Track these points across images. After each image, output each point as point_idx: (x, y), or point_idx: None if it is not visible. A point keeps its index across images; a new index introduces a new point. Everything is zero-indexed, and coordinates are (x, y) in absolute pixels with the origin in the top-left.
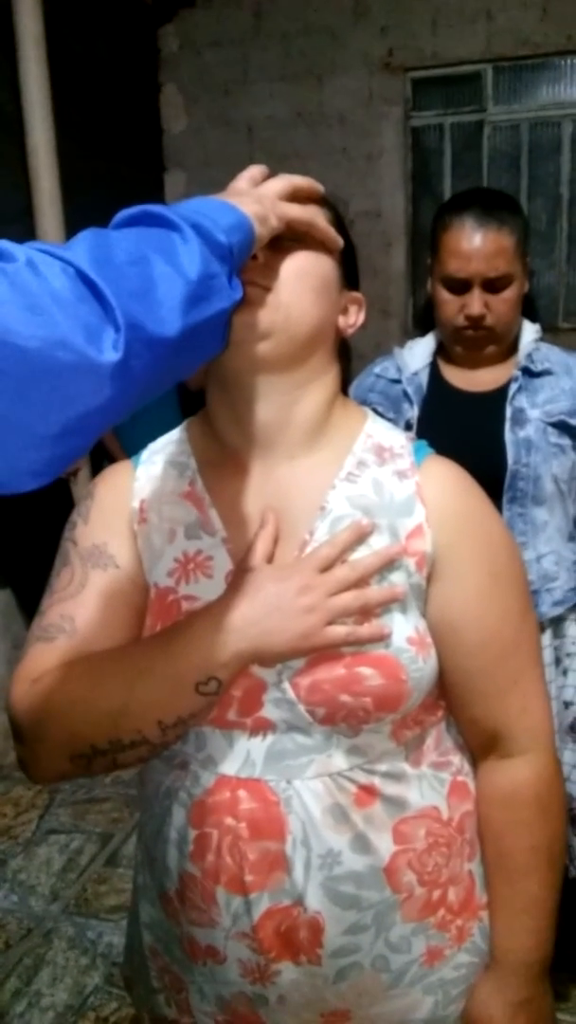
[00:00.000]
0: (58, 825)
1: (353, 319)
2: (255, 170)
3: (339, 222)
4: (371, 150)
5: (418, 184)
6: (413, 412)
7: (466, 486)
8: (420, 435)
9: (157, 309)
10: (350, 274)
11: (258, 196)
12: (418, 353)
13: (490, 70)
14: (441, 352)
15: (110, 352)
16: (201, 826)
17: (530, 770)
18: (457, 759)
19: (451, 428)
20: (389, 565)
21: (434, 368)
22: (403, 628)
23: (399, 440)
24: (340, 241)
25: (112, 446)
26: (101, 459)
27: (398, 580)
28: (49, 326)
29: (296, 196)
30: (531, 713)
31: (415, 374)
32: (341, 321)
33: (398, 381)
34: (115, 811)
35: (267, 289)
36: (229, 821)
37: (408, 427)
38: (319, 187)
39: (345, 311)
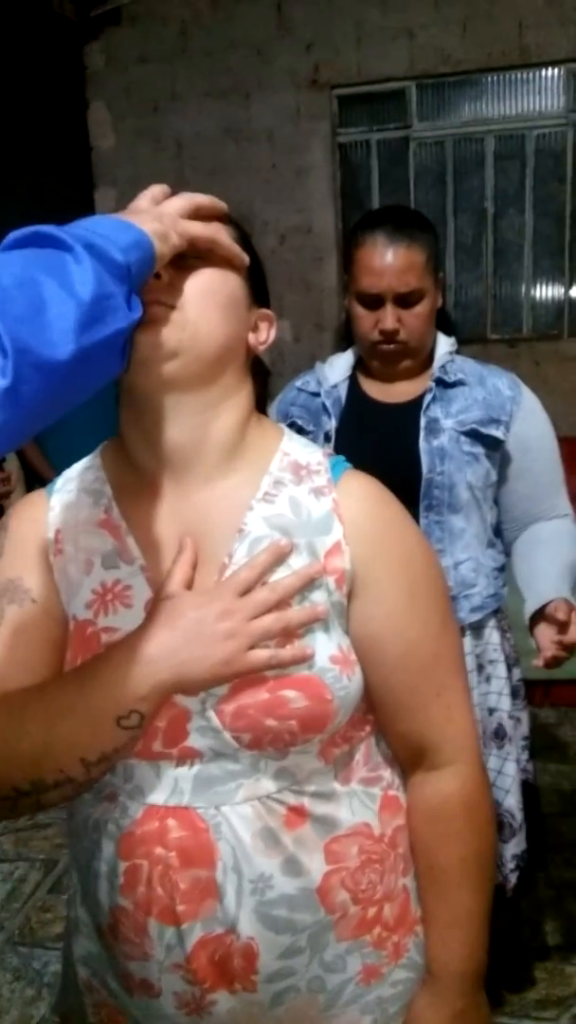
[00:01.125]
0: (1, 854)
1: (264, 336)
2: (156, 189)
3: (244, 239)
4: (300, 166)
5: (347, 199)
6: (331, 424)
7: (383, 500)
8: (338, 446)
9: (47, 332)
10: (259, 291)
11: (158, 214)
12: (338, 367)
13: (414, 87)
14: (360, 365)
15: None
16: (131, 858)
17: (457, 781)
18: (388, 773)
19: (368, 439)
20: (309, 585)
21: (353, 381)
22: (326, 647)
23: (316, 457)
24: (245, 258)
25: (36, 460)
26: (33, 480)
27: (319, 599)
28: None
29: (198, 214)
30: (456, 724)
31: (334, 387)
32: (252, 339)
33: (318, 394)
34: (59, 837)
35: (172, 307)
36: (159, 851)
37: (327, 439)
38: (222, 205)
39: (255, 328)
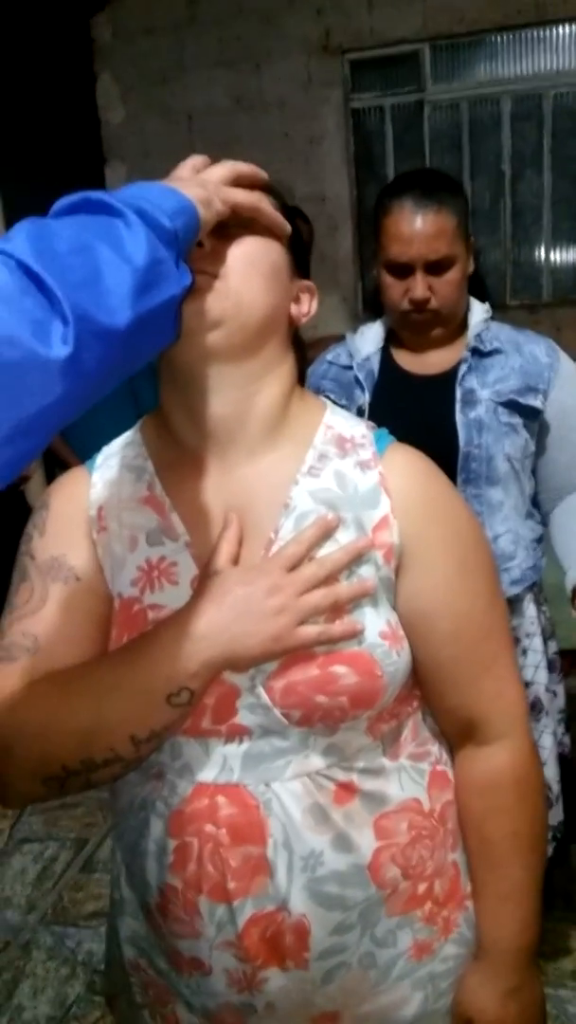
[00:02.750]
0: (30, 834)
1: (306, 307)
2: (197, 159)
3: (285, 209)
4: (312, 134)
5: (361, 167)
6: (364, 398)
7: (430, 473)
8: (372, 420)
9: (106, 298)
10: (300, 262)
11: (201, 181)
12: (369, 338)
13: (427, 49)
14: (392, 336)
15: (59, 347)
16: (180, 836)
17: (507, 755)
18: (435, 749)
19: (402, 412)
20: (357, 559)
21: (385, 352)
22: (375, 622)
23: (360, 430)
24: (287, 226)
25: (62, 450)
26: (53, 465)
27: (367, 574)
28: None
29: (239, 182)
30: (505, 698)
31: (366, 359)
32: (294, 310)
33: (350, 367)
34: (88, 816)
35: (215, 276)
36: (209, 828)
37: (360, 413)
38: (263, 174)
39: (297, 299)
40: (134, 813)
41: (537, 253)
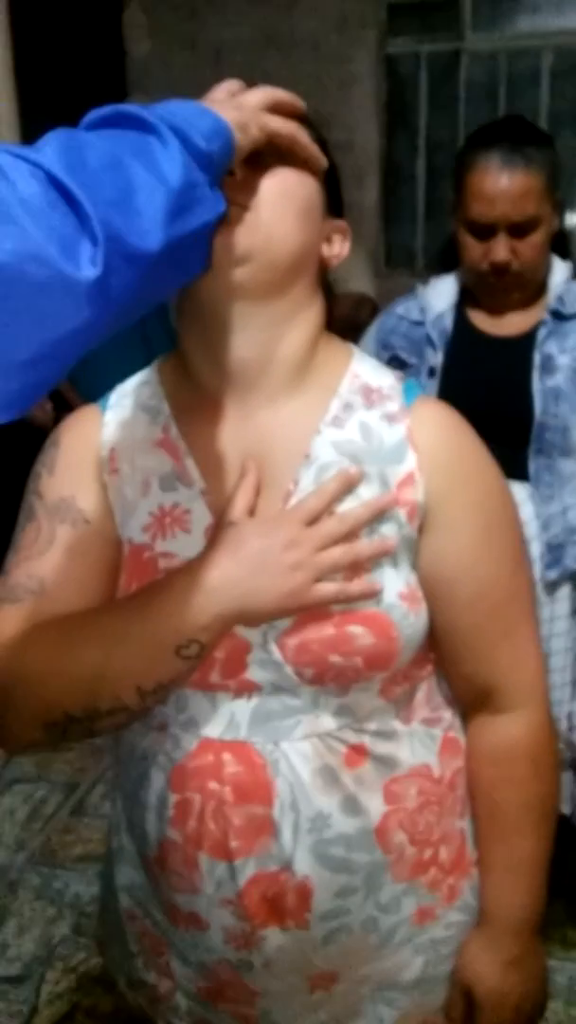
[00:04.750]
0: (22, 775)
1: (338, 249)
2: (233, 83)
3: (323, 143)
4: (344, 78)
5: (392, 115)
6: (437, 358)
7: (460, 430)
8: (444, 383)
9: (137, 220)
10: (334, 201)
11: (238, 104)
12: (444, 293)
13: None
14: (466, 293)
15: (87, 268)
16: (182, 791)
17: (523, 726)
18: (448, 714)
19: (476, 375)
20: (379, 516)
21: (459, 310)
22: (394, 583)
23: (388, 380)
24: (325, 160)
25: (68, 394)
26: (61, 408)
27: (388, 532)
28: (18, 237)
29: (277, 110)
30: (524, 667)
31: (439, 316)
32: (325, 250)
33: (421, 324)
34: (80, 760)
35: (245, 208)
36: (213, 785)
37: (432, 374)
38: (301, 104)
39: (329, 240)
40: (135, 763)
41: (570, 215)
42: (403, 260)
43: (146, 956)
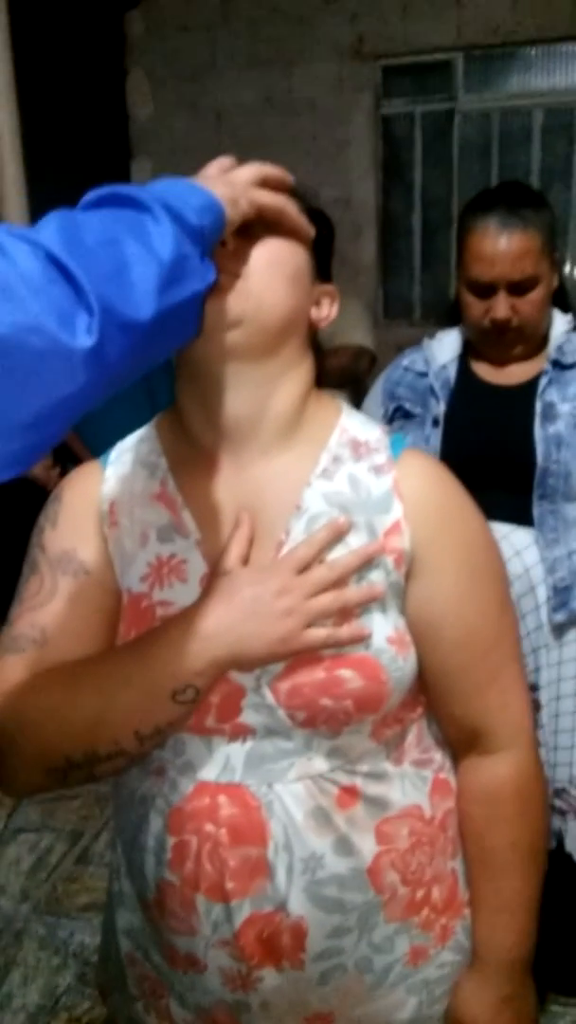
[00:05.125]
0: (27, 824)
1: (326, 312)
2: (224, 160)
3: (311, 213)
4: (341, 138)
5: (388, 173)
6: (440, 408)
7: (444, 481)
8: (448, 432)
9: (131, 292)
10: (322, 266)
11: (228, 180)
12: (447, 346)
13: (461, 58)
14: (470, 345)
15: (84, 337)
16: (179, 833)
17: (511, 766)
18: (439, 756)
19: (479, 424)
20: (367, 564)
21: (463, 361)
22: (383, 628)
23: (375, 434)
24: (312, 230)
25: (75, 445)
26: (66, 460)
27: (377, 579)
28: (20, 311)
29: (266, 184)
30: (511, 709)
31: (443, 367)
32: (314, 313)
33: (425, 375)
34: (85, 808)
35: (237, 276)
36: (209, 828)
37: (436, 423)
38: (289, 177)
39: (318, 303)
40: (134, 808)
41: (563, 269)
42: (401, 311)
43: (146, 1000)
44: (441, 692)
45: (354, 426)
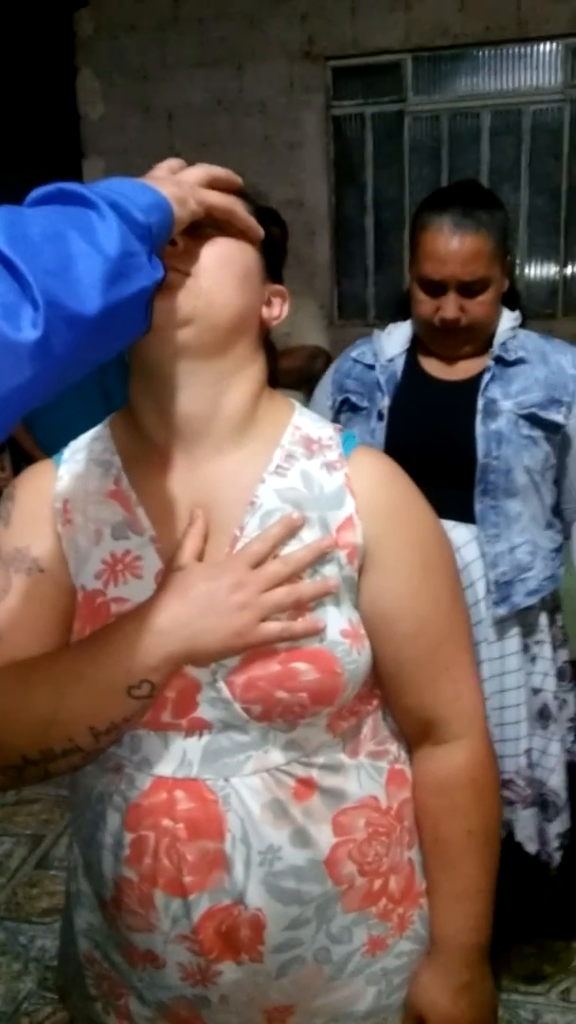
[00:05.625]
0: None
1: (277, 311)
2: (173, 161)
3: (259, 214)
4: (293, 139)
5: (340, 173)
6: (385, 401)
7: (395, 476)
8: (391, 425)
9: (76, 286)
10: (272, 266)
11: (177, 181)
12: (396, 339)
13: (410, 60)
14: (419, 340)
15: (28, 330)
16: (137, 829)
17: (464, 755)
18: (394, 747)
19: (422, 418)
20: (321, 558)
21: (411, 356)
22: (337, 621)
23: (327, 432)
24: (261, 231)
25: (25, 443)
26: (19, 460)
27: (330, 573)
28: None
29: (215, 185)
30: (463, 699)
31: (390, 361)
32: (265, 312)
33: (373, 367)
34: (45, 813)
35: (187, 275)
36: (166, 823)
37: (380, 416)
38: (238, 179)
39: (269, 303)
40: (91, 806)
41: (514, 271)
42: (355, 311)
43: (105, 1000)
44: (395, 684)
45: (307, 424)
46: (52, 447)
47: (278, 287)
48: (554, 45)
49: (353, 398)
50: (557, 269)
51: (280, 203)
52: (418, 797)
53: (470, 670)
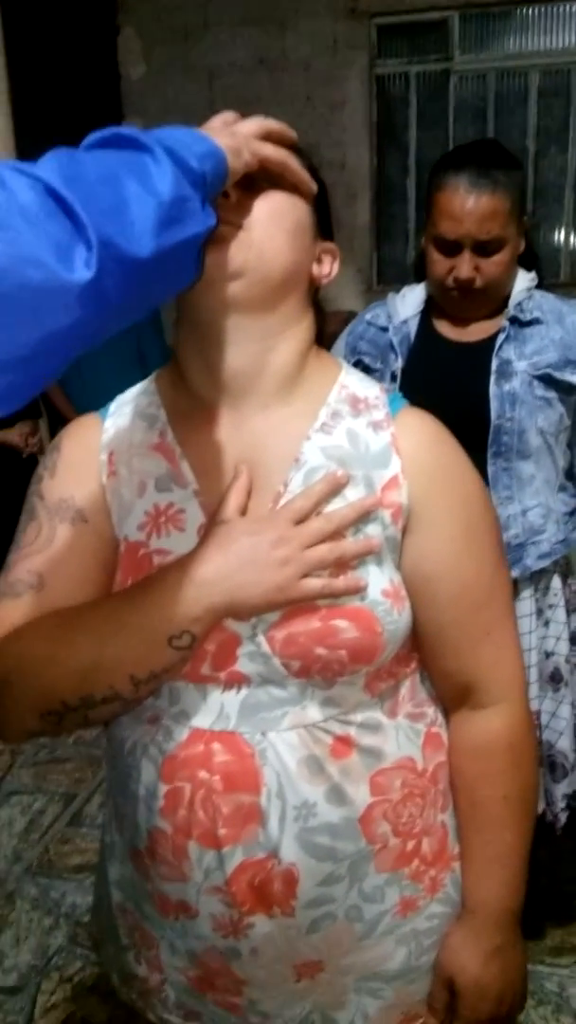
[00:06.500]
0: (20, 786)
1: (327, 269)
2: (228, 114)
3: (313, 170)
4: (335, 98)
5: (383, 135)
6: (398, 363)
7: (441, 438)
8: (404, 387)
9: (130, 228)
10: (324, 223)
11: (232, 132)
12: (410, 301)
13: (457, 18)
14: (433, 301)
15: (81, 270)
16: (172, 781)
17: (502, 720)
18: (431, 710)
19: (435, 380)
20: (364, 517)
21: (424, 317)
22: (378, 580)
23: (374, 391)
24: (314, 185)
25: (62, 406)
26: (59, 425)
27: (373, 532)
28: (17, 242)
29: (269, 138)
30: (503, 664)
31: (403, 323)
32: (315, 270)
33: (386, 330)
34: (78, 771)
35: (239, 227)
36: (202, 775)
37: (393, 378)
38: (292, 133)
39: (319, 260)
40: (123, 757)
41: (557, 233)
42: (395, 276)
43: (137, 950)
44: (435, 647)
45: (353, 383)
46: (88, 411)
47: (329, 244)
48: None
49: (366, 359)
50: None
51: (321, 164)
52: (455, 761)
53: (511, 635)
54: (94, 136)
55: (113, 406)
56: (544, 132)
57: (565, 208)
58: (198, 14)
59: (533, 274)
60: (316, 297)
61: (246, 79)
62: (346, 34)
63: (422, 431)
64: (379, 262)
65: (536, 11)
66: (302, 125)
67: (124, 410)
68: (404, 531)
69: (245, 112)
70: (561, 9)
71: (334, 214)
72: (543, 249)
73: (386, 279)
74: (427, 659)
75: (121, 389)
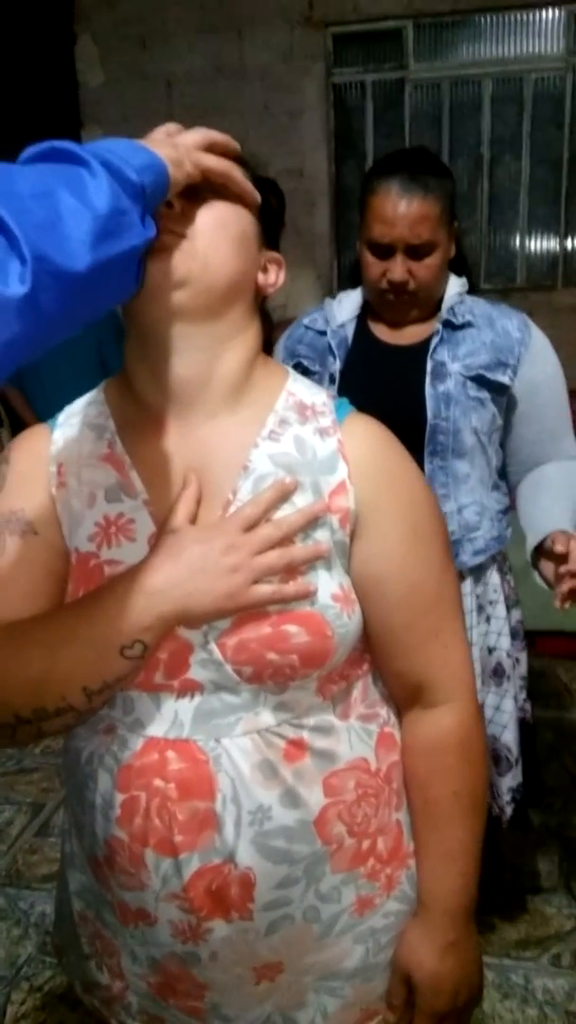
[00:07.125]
0: None
1: (273, 278)
2: (171, 126)
3: (257, 181)
4: (293, 107)
5: (340, 142)
6: (336, 366)
7: (387, 443)
8: (342, 389)
9: (65, 242)
10: (269, 233)
11: (173, 143)
12: (347, 306)
13: (411, 27)
14: (369, 305)
15: (16, 285)
16: (128, 790)
17: (453, 718)
18: (384, 711)
19: (373, 382)
20: (313, 523)
21: (361, 321)
22: (328, 585)
23: (320, 398)
24: (258, 196)
25: (20, 407)
26: (19, 432)
27: (322, 537)
28: None
29: (212, 150)
30: (452, 663)
31: (341, 326)
32: (261, 279)
33: (325, 333)
34: (45, 781)
35: (183, 237)
36: (158, 783)
37: (332, 380)
38: (235, 144)
39: (265, 269)
40: (81, 768)
41: (513, 238)
42: (356, 283)
43: (98, 958)
44: (385, 648)
45: (300, 390)
46: (46, 413)
47: (274, 254)
48: (557, 12)
49: (305, 362)
50: (557, 240)
51: (280, 172)
52: (407, 760)
53: (460, 635)
54: (30, 150)
55: (62, 417)
56: (498, 139)
57: (520, 214)
58: (155, 22)
59: (464, 280)
60: (263, 305)
61: (204, 87)
62: (302, 43)
63: (368, 436)
64: (339, 268)
65: (489, 20)
66: (260, 133)
67: (72, 421)
68: (352, 535)
69: (203, 120)
70: (513, 18)
71: (293, 222)
72: (499, 253)
73: (346, 285)
74: (378, 660)
75: (78, 393)
